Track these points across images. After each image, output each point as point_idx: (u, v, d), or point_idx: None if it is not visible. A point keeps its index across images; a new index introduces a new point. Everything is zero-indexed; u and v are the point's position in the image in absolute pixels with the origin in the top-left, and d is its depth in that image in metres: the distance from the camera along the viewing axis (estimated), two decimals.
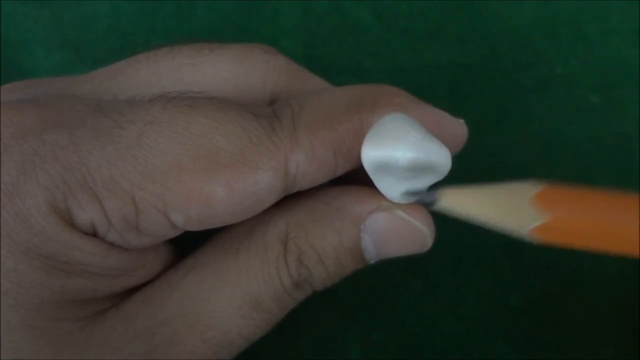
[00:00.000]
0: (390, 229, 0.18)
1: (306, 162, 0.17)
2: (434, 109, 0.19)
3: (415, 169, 0.17)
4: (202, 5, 0.31)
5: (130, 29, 0.30)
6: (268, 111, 0.18)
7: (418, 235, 0.19)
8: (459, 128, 0.19)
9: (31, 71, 0.29)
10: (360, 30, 0.30)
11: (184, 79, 0.20)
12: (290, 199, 0.19)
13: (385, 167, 0.17)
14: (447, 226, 0.19)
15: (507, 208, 0.16)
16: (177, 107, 0.17)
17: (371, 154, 0.17)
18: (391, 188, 0.18)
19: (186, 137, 0.16)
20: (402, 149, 0.17)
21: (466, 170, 0.19)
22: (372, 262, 0.19)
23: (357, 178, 0.19)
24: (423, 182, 0.18)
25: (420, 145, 0.17)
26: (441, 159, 0.17)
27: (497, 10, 0.30)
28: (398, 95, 0.18)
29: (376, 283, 0.25)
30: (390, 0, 0.31)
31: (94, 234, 0.17)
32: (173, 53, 0.20)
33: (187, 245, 0.19)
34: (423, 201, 0.18)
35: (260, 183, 0.17)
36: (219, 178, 0.16)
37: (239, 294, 0.18)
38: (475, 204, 0.17)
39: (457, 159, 0.18)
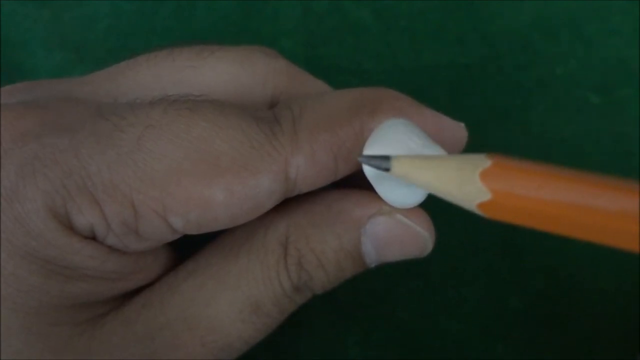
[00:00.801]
0: (390, 233, 0.18)
1: (306, 166, 0.17)
2: (434, 112, 0.19)
3: None
4: (202, 5, 0.30)
5: (130, 29, 0.30)
6: (269, 114, 0.18)
7: (418, 239, 0.19)
8: (459, 132, 0.19)
9: (31, 71, 0.29)
10: (360, 30, 0.30)
11: (185, 81, 0.20)
12: (290, 202, 0.19)
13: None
14: (448, 229, 0.19)
15: (456, 180, 0.15)
16: (178, 111, 0.17)
17: None
18: (391, 193, 0.18)
19: (187, 141, 0.16)
20: None
21: None
22: (372, 266, 0.19)
23: (357, 181, 0.19)
24: None
25: (421, 152, 0.17)
26: None
27: (497, 10, 0.30)
28: (398, 99, 0.18)
29: (376, 284, 0.25)
30: (390, 0, 0.30)
31: (93, 238, 0.17)
32: (173, 55, 0.20)
33: (186, 249, 0.19)
34: (377, 166, 0.17)
35: (260, 187, 0.17)
36: (220, 182, 0.16)
37: (239, 297, 0.18)
38: (426, 174, 0.16)
39: None
